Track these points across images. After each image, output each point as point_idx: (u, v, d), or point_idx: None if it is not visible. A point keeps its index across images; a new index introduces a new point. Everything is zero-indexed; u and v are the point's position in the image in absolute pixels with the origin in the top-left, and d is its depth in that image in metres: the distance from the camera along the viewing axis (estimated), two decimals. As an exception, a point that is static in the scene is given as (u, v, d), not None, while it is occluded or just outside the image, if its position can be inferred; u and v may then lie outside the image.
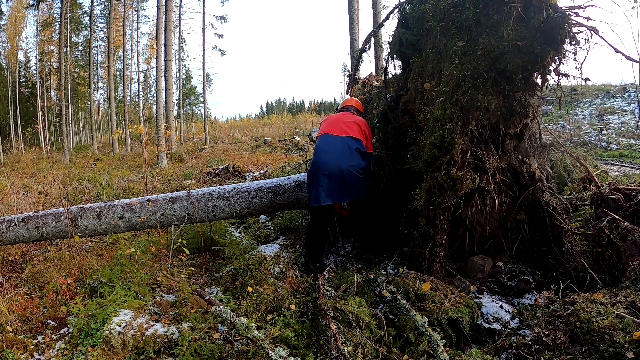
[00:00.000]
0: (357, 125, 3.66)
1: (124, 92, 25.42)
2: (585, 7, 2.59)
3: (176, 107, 23.91)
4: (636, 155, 8.74)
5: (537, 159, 3.23)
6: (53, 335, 2.70)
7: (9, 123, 24.33)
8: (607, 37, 2.58)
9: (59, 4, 19.02)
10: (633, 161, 8.32)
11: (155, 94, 16.63)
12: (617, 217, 2.93)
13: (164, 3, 13.19)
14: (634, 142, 10.06)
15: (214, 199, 4.01)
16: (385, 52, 3.89)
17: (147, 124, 26.79)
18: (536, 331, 2.28)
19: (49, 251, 4.35)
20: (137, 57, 28.45)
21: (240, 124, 38.14)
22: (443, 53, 3.08)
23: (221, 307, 2.63)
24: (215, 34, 27.19)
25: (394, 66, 3.89)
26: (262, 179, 6.43)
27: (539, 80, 2.87)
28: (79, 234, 3.84)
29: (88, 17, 23.66)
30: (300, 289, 2.99)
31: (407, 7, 3.50)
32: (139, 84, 29.50)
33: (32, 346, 2.57)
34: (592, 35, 2.58)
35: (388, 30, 3.81)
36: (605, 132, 11.19)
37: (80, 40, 27.43)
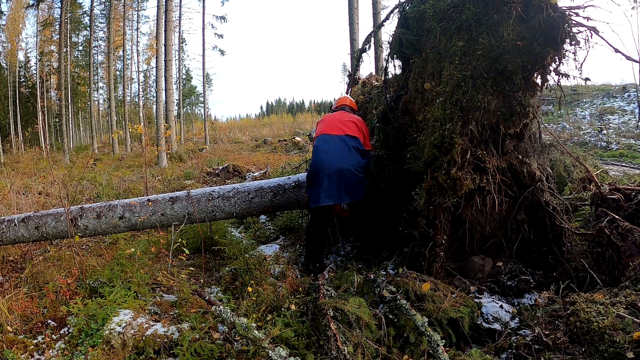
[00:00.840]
0: (354, 124, 3.66)
1: (124, 92, 25.43)
2: (585, 7, 2.59)
3: (176, 107, 23.93)
4: (636, 155, 8.74)
5: (537, 159, 3.23)
6: (53, 335, 2.70)
7: (9, 123, 24.33)
8: (607, 37, 2.59)
9: (59, 4, 19.04)
10: (633, 161, 8.32)
11: (155, 94, 16.63)
12: (617, 217, 2.93)
13: (164, 3, 13.19)
14: (634, 142, 10.07)
15: (214, 199, 4.01)
16: (385, 52, 3.89)
17: (147, 124, 26.79)
18: (536, 331, 2.28)
19: (49, 251, 4.35)
20: (137, 57, 28.48)
21: (240, 124, 38.19)
22: (443, 53, 3.08)
23: (221, 307, 2.63)
24: (215, 34, 27.24)
25: (394, 66, 3.89)
26: (262, 179, 6.43)
27: (539, 80, 2.87)
28: (79, 234, 3.84)
29: (88, 17, 23.68)
30: (300, 289, 2.99)
31: (407, 7, 3.50)
32: (139, 84, 29.54)
33: (32, 346, 2.57)
34: (592, 35, 2.58)
35: (388, 30, 3.81)
36: (605, 132, 11.19)
37: (80, 40, 27.44)
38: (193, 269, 3.73)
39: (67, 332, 2.71)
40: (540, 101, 3.16)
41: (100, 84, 30.70)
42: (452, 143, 2.88)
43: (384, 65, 3.97)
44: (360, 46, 4.52)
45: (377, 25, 4.30)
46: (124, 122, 24.46)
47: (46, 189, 7.61)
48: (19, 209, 5.64)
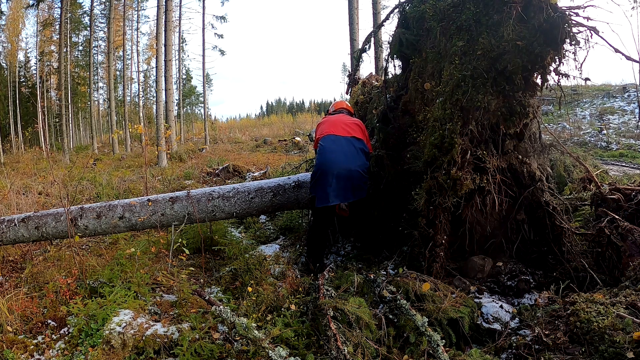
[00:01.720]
0: (357, 126, 3.67)
1: (124, 92, 25.42)
2: (585, 7, 2.58)
3: (176, 107, 23.93)
4: (636, 155, 8.74)
5: (537, 159, 3.23)
6: (53, 335, 2.70)
7: (9, 123, 24.33)
8: (607, 37, 2.58)
9: (59, 4, 19.03)
10: (633, 161, 8.32)
11: (155, 94, 16.63)
12: (617, 217, 2.93)
13: (164, 3, 13.19)
14: (634, 142, 10.07)
15: (214, 199, 4.01)
16: (385, 52, 3.89)
17: (147, 124, 26.79)
18: (536, 331, 2.28)
19: (49, 251, 4.35)
20: (137, 57, 28.47)
21: (240, 124, 38.21)
22: (443, 53, 3.08)
23: (221, 307, 2.63)
24: (215, 34, 27.28)
25: (394, 66, 3.89)
26: (262, 179, 6.43)
27: (539, 80, 2.86)
28: (79, 234, 3.84)
29: (88, 17, 23.68)
30: (300, 289, 2.99)
31: (407, 7, 3.50)
32: (139, 84, 29.54)
33: (32, 346, 2.57)
34: (592, 35, 2.58)
35: (388, 30, 3.81)
36: (605, 132, 11.19)
37: (80, 40, 27.44)
38: (193, 269, 3.73)
39: (67, 332, 2.71)
40: (540, 101, 3.16)
41: (100, 84, 30.73)
42: (452, 143, 2.88)
43: (384, 65, 3.97)
44: (360, 46, 4.52)
45: (377, 25, 4.30)
46: (124, 122, 24.46)
47: (46, 189, 7.61)
48: (19, 209, 5.64)
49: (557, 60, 2.70)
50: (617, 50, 2.66)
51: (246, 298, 2.92)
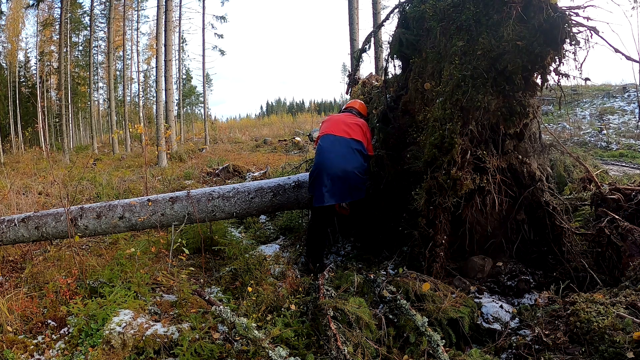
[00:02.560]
0: (358, 127, 3.66)
1: (124, 92, 25.41)
2: (585, 7, 2.59)
3: (176, 107, 23.92)
4: (636, 155, 8.74)
5: (537, 159, 3.23)
6: (53, 335, 2.70)
7: (9, 123, 24.32)
8: (607, 37, 2.58)
9: (59, 4, 19.04)
10: (633, 161, 8.32)
11: (155, 94, 16.63)
12: (617, 217, 2.93)
13: (164, 3, 13.19)
14: (634, 142, 10.06)
15: (214, 199, 4.01)
16: (385, 52, 3.89)
17: (147, 124, 26.78)
18: (536, 331, 2.28)
19: (49, 251, 4.35)
20: (137, 57, 28.46)
21: (240, 124, 38.20)
22: (443, 53, 3.08)
23: (221, 307, 2.63)
24: (215, 34, 27.29)
25: (394, 66, 3.89)
26: (262, 179, 6.43)
27: (539, 80, 2.86)
28: (79, 234, 3.84)
29: (88, 17, 23.68)
30: (300, 289, 2.99)
31: (407, 7, 3.50)
32: (139, 84, 29.53)
33: (32, 346, 2.57)
34: (592, 35, 2.58)
35: (388, 30, 3.81)
36: (605, 132, 11.19)
37: (80, 40, 27.43)
38: (193, 269, 3.73)
39: (67, 332, 2.71)
40: (540, 101, 3.16)
41: (100, 84, 30.73)
42: (452, 143, 2.88)
43: (384, 65, 3.97)
44: (360, 46, 4.52)
45: (377, 25, 4.30)
46: (124, 122, 24.45)
47: (46, 189, 7.61)
48: (19, 209, 5.64)
49: (557, 60, 2.70)
50: (617, 50, 2.66)
51: (246, 298, 2.92)
